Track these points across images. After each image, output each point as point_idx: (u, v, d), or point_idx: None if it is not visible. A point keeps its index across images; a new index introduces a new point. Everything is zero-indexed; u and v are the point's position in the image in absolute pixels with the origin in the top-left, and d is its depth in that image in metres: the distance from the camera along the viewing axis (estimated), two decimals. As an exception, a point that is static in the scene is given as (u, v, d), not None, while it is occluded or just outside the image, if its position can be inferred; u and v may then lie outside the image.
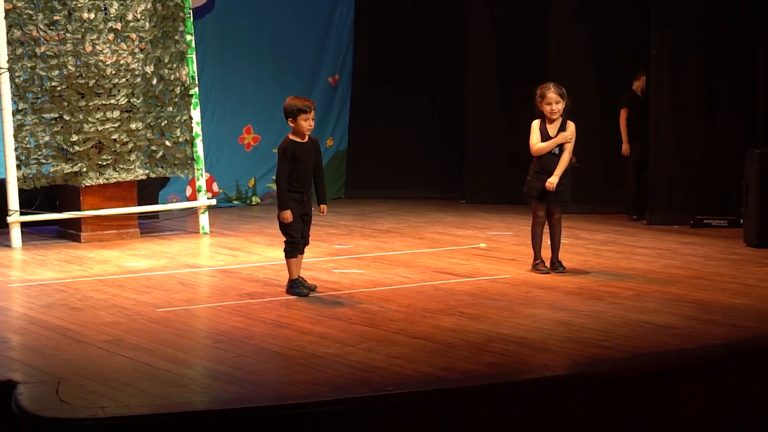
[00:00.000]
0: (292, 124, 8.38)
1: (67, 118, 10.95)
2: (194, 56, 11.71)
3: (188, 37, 11.65)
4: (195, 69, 11.70)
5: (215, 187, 13.71)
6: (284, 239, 8.41)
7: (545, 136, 9.07)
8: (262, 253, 10.30)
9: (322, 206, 8.49)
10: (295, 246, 8.38)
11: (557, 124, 9.07)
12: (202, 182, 11.82)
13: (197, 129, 11.70)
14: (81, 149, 11.00)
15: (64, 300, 8.37)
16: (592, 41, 12.71)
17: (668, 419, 6.38)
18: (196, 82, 11.72)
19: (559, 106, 8.98)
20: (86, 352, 6.80)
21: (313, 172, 8.49)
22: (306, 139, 8.40)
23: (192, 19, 11.73)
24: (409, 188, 14.37)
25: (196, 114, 11.70)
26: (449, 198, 14.02)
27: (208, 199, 11.87)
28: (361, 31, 14.62)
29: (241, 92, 13.93)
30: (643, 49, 12.12)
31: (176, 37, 11.58)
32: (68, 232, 11.30)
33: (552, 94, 8.97)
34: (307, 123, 8.35)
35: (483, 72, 13.75)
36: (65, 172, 11.01)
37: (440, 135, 14.38)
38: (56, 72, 10.90)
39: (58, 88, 10.92)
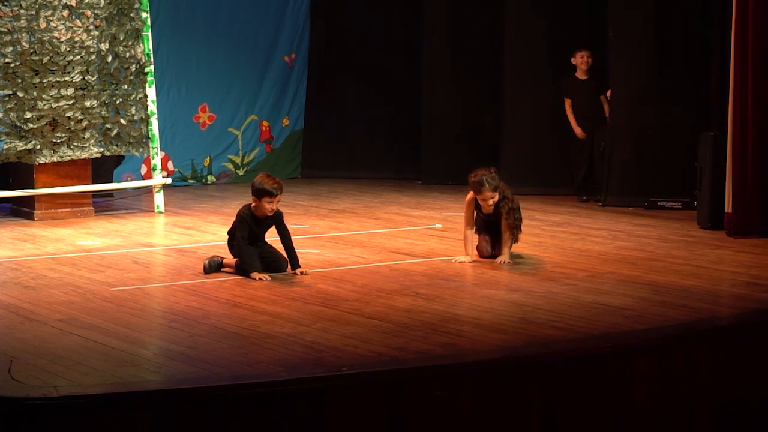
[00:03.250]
0: (254, 203, 8.40)
1: (20, 95, 10.85)
2: (150, 34, 11.64)
3: (144, 15, 11.57)
4: (150, 47, 11.62)
5: (170, 165, 13.64)
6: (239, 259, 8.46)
7: (479, 216, 8.98)
8: (217, 232, 10.26)
9: (300, 270, 8.42)
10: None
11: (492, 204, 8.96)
12: (157, 161, 11.76)
13: (152, 107, 11.63)
14: (35, 126, 10.91)
15: (17, 278, 8.32)
16: (548, 23, 12.71)
17: (621, 399, 6.43)
18: (152, 60, 11.65)
19: (494, 198, 8.84)
20: (39, 330, 6.77)
21: (282, 241, 8.51)
22: (264, 217, 8.44)
23: (148, -4, 11.67)
24: (365, 168, 14.35)
25: (151, 92, 11.63)
26: (405, 178, 14.02)
27: (163, 177, 11.82)
28: (318, 10, 14.56)
29: (196, 70, 13.84)
30: (598, 31, 12.17)
31: (131, 15, 11.49)
32: (21, 210, 11.22)
33: (488, 191, 8.78)
34: (269, 206, 8.36)
35: (439, 52, 13.73)
36: (19, 149, 10.92)
37: (397, 115, 14.36)
38: (10, 48, 10.79)
39: (12, 65, 10.81)
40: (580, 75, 12.25)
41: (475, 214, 9.01)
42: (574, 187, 12.37)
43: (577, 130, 12.25)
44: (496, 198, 8.85)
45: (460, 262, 8.89)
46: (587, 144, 12.26)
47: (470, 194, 8.98)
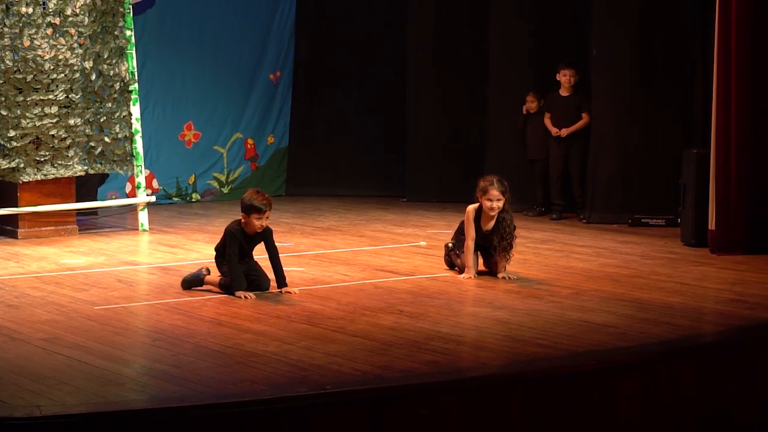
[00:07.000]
0: (243, 219, 8.38)
1: (4, 113, 10.84)
2: (134, 52, 11.64)
3: (128, 33, 11.57)
4: (135, 65, 11.62)
5: (155, 183, 13.63)
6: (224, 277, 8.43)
7: (478, 231, 8.95)
8: (201, 250, 10.25)
9: (286, 290, 8.39)
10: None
11: (492, 218, 8.98)
12: (141, 179, 11.75)
13: (137, 125, 11.63)
14: (18, 145, 10.89)
15: (1, 297, 8.29)
16: (532, 39, 12.73)
17: (605, 417, 6.43)
18: (136, 78, 11.64)
19: (500, 203, 8.81)
20: (22, 350, 6.74)
21: (270, 259, 8.48)
22: (254, 233, 8.42)
23: (132, 14, 11.65)
24: (349, 186, 14.35)
25: (135, 110, 11.63)
26: (390, 196, 14.02)
27: (147, 195, 11.80)
28: (302, 28, 14.58)
29: (181, 88, 13.84)
30: (582, 47, 12.21)
31: (116, 33, 11.50)
32: (5, 229, 11.19)
33: (495, 191, 8.78)
34: (258, 222, 8.32)
35: (424, 70, 13.75)
36: (2, 167, 10.90)
37: (381, 133, 14.38)
38: (-7, 67, 10.80)
39: (-5, 83, 10.82)
40: (563, 92, 12.29)
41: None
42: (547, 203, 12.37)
43: (553, 130, 12.23)
44: (501, 203, 8.85)
45: (468, 278, 8.88)
46: (560, 158, 12.28)
47: (470, 207, 8.98)
